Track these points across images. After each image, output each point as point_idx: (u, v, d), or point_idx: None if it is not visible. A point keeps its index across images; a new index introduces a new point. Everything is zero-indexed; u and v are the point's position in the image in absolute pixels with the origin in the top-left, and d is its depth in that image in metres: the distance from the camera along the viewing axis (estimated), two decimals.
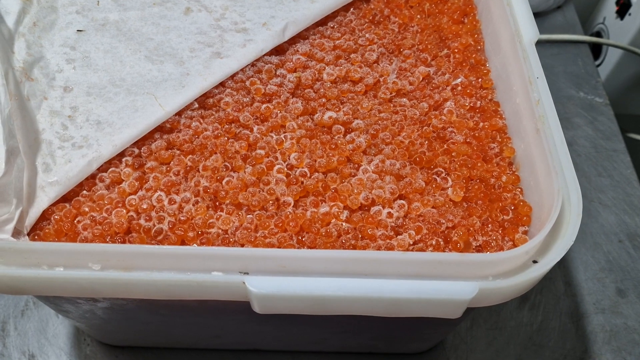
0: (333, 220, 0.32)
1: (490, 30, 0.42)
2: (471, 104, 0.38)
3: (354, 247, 0.31)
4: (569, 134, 0.58)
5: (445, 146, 0.36)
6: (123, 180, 0.33)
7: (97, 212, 0.32)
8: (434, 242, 0.32)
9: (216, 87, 0.37)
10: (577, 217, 0.29)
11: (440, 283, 0.28)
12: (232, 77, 0.38)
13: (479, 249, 0.32)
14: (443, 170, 0.35)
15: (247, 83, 0.38)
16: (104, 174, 0.33)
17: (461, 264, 0.28)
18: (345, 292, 0.27)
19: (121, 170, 0.33)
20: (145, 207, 0.32)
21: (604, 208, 0.53)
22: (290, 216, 0.32)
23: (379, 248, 0.31)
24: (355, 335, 0.40)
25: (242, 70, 0.38)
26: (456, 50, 0.42)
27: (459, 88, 0.39)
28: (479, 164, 0.35)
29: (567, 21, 0.70)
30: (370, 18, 0.44)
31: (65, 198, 0.32)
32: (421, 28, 0.43)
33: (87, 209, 0.32)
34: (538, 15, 0.69)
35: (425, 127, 0.37)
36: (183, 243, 0.31)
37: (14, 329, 0.45)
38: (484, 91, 0.39)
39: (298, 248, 0.31)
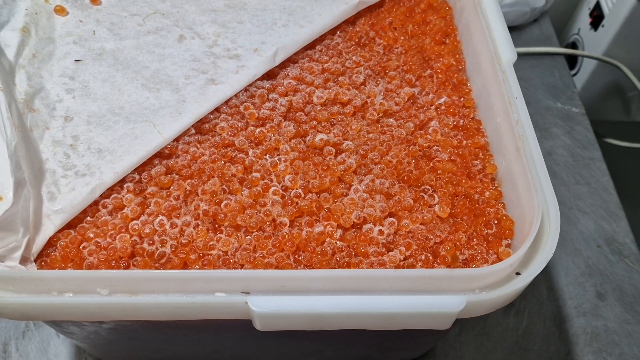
0: (327, 239, 0.34)
1: (471, 51, 0.44)
2: (454, 123, 0.40)
3: (348, 264, 0.33)
4: (548, 144, 0.61)
5: (431, 164, 0.38)
6: (125, 206, 0.35)
7: (102, 237, 0.33)
8: (423, 257, 0.34)
9: (211, 112, 0.39)
10: (556, 231, 0.32)
11: (430, 297, 0.30)
12: (227, 102, 0.39)
13: (466, 262, 0.34)
14: (430, 188, 0.37)
15: (241, 108, 0.39)
16: (106, 200, 0.35)
17: (450, 279, 0.30)
18: (342, 308, 0.29)
19: (123, 197, 0.35)
20: (147, 231, 0.33)
21: (583, 215, 0.55)
22: (287, 236, 0.34)
23: (371, 264, 0.33)
24: (350, 345, 0.42)
25: (235, 95, 0.40)
26: (439, 71, 0.44)
27: (443, 107, 0.41)
28: (463, 181, 0.37)
29: (544, 33, 0.73)
30: (357, 40, 0.46)
31: (70, 225, 0.34)
32: (405, 49, 0.45)
33: (91, 235, 0.33)
34: (515, 28, 0.72)
35: (411, 147, 0.39)
36: (185, 265, 0.33)
37: (15, 350, 0.46)
38: (466, 110, 0.41)
39: (295, 267, 0.33)
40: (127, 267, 0.32)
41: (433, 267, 0.33)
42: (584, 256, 0.53)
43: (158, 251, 0.33)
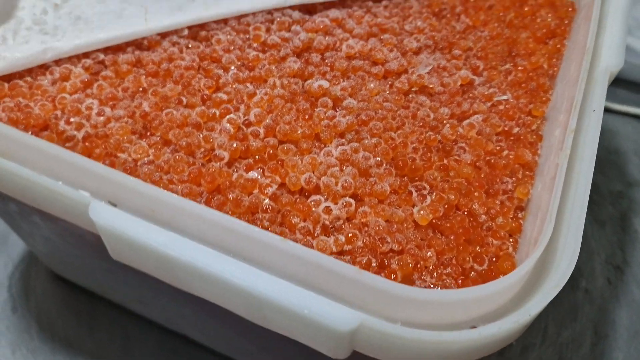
0: (256, 192, 0.26)
1: (571, 56, 0.32)
2: (506, 128, 0.30)
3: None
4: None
5: (445, 161, 0.28)
6: (70, 79, 0.30)
7: (27, 99, 0.29)
8: (364, 261, 0.24)
9: (217, 22, 0.33)
10: (554, 289, 0.20)
11: (319, 300, 0.20)
12: (239, 18, 0.33)
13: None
14: (427, 187, 0.27)
15: (251, 28, 0.33)
16: (56, 67, 0.30)
17: (358, 285, 0.20)
18: (200, 262, 0.21)
19: (73, 69, 0.30)
20: (70, 109, 0.28)
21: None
22: (211, 169, 0.26)
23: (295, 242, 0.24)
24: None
25: (253, 14, 0.33)
26: (521, 68, 0.33)
27: (501, 107, 0.31)
28: (476, 194, 0.26)
29: None
30: (436, 10, 0.37)
31: (10, 77, 0.30)
32: (492, 36, 0.35)
33: (18, 93, 0.29)
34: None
35: (430, 133, 0.29)
36: (88, 156, 0.27)
37: None
38: (531, 119, 0.30)
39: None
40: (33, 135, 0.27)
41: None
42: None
43: (68, 132, 0.27)
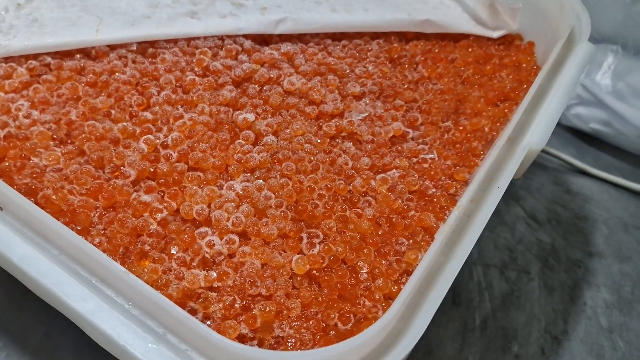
0: (146, 214, 0.26)
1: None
2: (422, 188, 0.29)
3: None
4: None
5: (347, 212, 0.28)
6: (12, 78, 0.31)
7: None
8: (229, 301, 0.24)
9: (167, 41, 0.34)
10: None
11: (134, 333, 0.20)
12: (190, 40, 0.34)
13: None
14: (321, 235, 0.27)
15: (198, 51, 0.33)
16: (3, 64, 0.32)
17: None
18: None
19: (16, 68, 0.31)
20: (0, 107, 0.30)
21: None
22: (111, 186, 0.27)
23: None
24: None
25: (205, 37, 0.34)
26: (461, 128, 0.32)
27: (425, 165, 0.30)
28: (365, 251, 0.26)
29: None
30: (395, 57, 0.37)
31: None
32: (444, 90, 0.35)
33: None
34: None
35: (341, 182, 0.29)
36: (0, 161, 0.28)
37: None
38: (449, 182, 0.30)
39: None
40: None
41: None
42: None
43: None
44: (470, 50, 0.37)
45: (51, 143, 0.29)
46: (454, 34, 0.38)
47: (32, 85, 0.31)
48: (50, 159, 0.28)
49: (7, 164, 0.27)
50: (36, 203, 0.25)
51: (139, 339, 0.20)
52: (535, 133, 0.28)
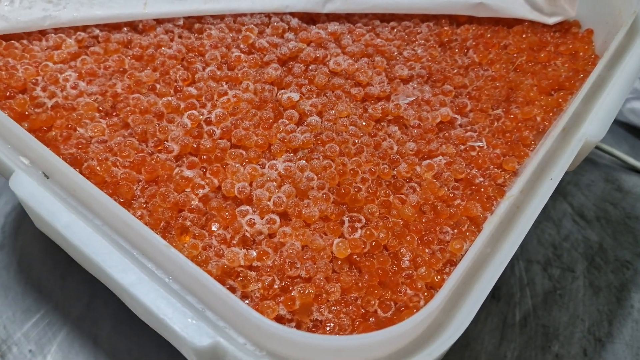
0: (188, 190, 0.26)
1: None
2: (468, 176, 0.28)
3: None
4: None
5: (390, 198, 0.27)
6: (61, 49, 0.31)
7: (16, 60, 0.31)
8: (268, 281, 0.24)
9: (214, 16, 0.33)
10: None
11: (183, 312, 0.20)
12: (236, 16, 0.33)
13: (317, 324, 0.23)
14: (363, 220, 0.26)
15: (244, 28, 0.33)
16: (52, 35, 0.32)
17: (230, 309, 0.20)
18: (91, 251, 0.21)
19: (65, 39, 0.32)
20: (49, 77, 0.30)
21: None
22: (154, 159, 0.27)
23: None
24: None
25: (251, 14, 0.33)
26: (512, 117, 0.31)
27: (473, 153, 0.29)
28: (408, 238, 0.25)
29: None
30: (445, 40, 0.35)
31: (8, 37, 0.32)
32: (495, 77, 0.33)
33: (9, 53, 0.31)
34: None
35: (385, 166, 0.28)
36: (47, 130, 0.28)
37: None
38: (498, 171, 0.28)
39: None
40: (8, 98, 0.29)
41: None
42: None
43: (40, 99, 0.29)
44: (524, 36, 0.36)
45: (97, 114, 0.29)
46: (508, 19, 0.36)
47: (80, 57, 0.31)
48: (95, 130, 0.28)
49: (53, 133, 0.28)
50: (80, 173, 0.25)
51: (179, 313, 0.20)
52: (592, 124, 0.27)
